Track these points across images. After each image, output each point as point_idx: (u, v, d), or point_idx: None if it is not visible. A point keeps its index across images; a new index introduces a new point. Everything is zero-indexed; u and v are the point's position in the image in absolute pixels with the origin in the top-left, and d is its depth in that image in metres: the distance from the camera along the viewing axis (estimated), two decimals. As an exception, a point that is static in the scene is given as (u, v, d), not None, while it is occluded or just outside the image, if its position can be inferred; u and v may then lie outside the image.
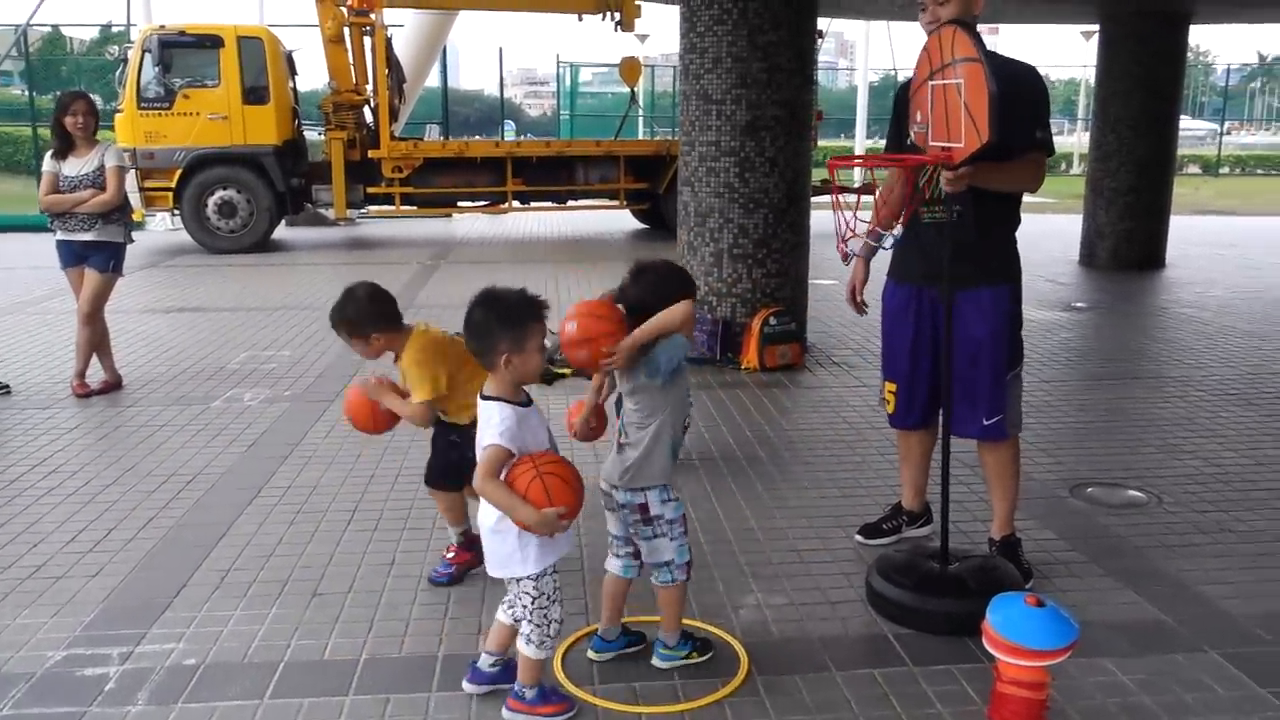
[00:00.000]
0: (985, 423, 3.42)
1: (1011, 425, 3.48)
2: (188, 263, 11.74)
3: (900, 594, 3.22)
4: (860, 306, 3.72)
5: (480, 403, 2.61)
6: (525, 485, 2.47)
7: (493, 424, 2.52)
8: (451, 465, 3.39)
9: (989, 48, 2.99)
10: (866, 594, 3.35)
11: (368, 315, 3.28)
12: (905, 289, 3.56)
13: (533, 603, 2.61)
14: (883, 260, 3.71)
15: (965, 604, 3.08)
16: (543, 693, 2.69)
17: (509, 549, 2.58)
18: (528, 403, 2.63)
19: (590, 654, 2.99)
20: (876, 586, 3.31)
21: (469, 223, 16.59)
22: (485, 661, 2.79)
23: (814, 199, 7.19)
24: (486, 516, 2.61)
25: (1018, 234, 3.50)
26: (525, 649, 2.64)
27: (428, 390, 3.20)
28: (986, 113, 2.80)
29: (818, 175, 11.04)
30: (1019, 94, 3.06)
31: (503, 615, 2.76)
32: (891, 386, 3.65)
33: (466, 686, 2.79)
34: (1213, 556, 3.73)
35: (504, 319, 2.54)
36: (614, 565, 2.96)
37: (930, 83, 3.09)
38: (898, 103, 3.55)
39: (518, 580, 2.62)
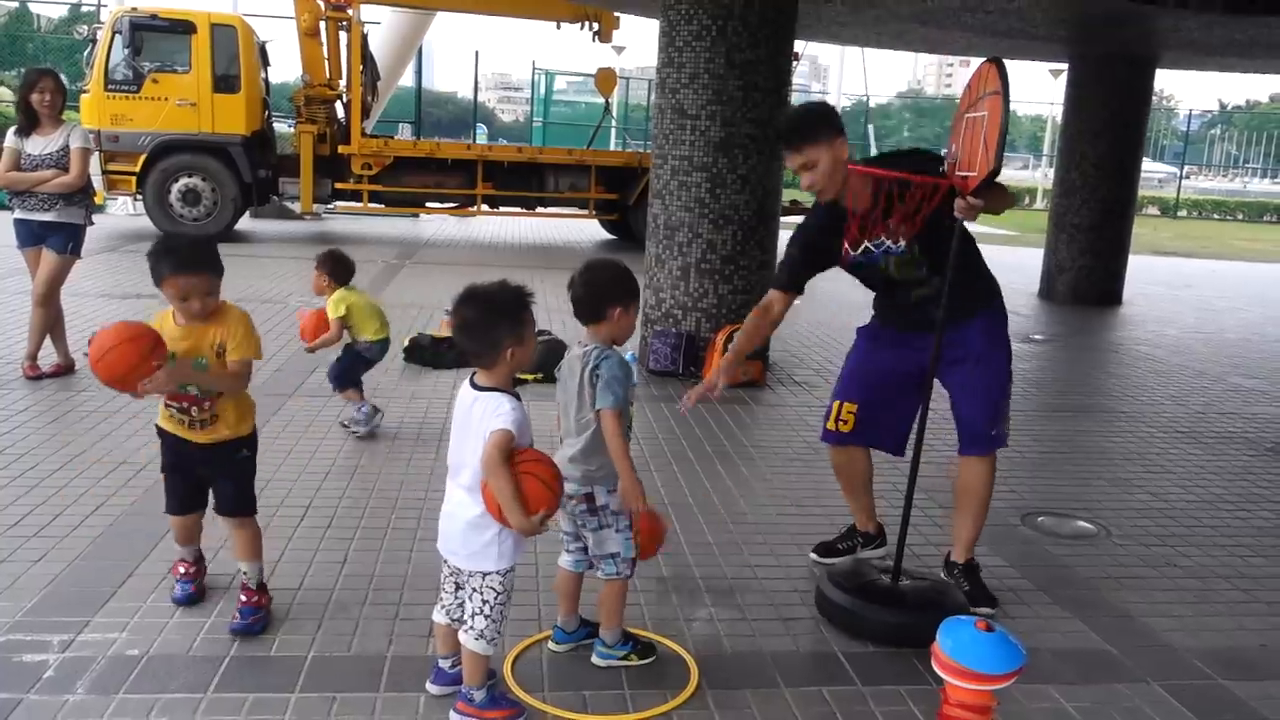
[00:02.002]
0: (992, 432, 3.51)
1: (1007, 434, 3.59)
2: (148, 249, 11.56)
3: (842, 598, 3.30)
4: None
5: (476, 393, 2.58)
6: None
7: (501, 412, 2.49)
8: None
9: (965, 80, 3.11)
10: (815, 599, 3.41)
11: None
12: (890, 331, 3.65)
13: (495, 598, 2.60)
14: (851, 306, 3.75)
15: (900, 615, 3.21)
16: (492, 697, 2.68)
17: (483, 543, 2.58)
18: (518, 395, 2.62)
19: (551, 645, 3.04)
20: (823, 590, 3.39)
21: (436, 224, 16.51)
22: (445, 664, 2.78)
23: (783, 218, 7.26)
24: (465, 506, 2.58)
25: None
26: (474, 645, 2.61)
27: None
28: (997, 141, 2.89)
29: (787, 195, 11.12)
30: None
31: (440, 617, 2.75)
32: (851, 406, 3.68)
33: (430, 688, 2.78)
34: (1158, 590, 3.80)
35: (502, 313, 2.54)
36: (565, 561, 3.04)
37: (966, 115, 3.18)
38: (811, 242, 3.54)
39: (483, 575, 2.60)
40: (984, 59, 3.21)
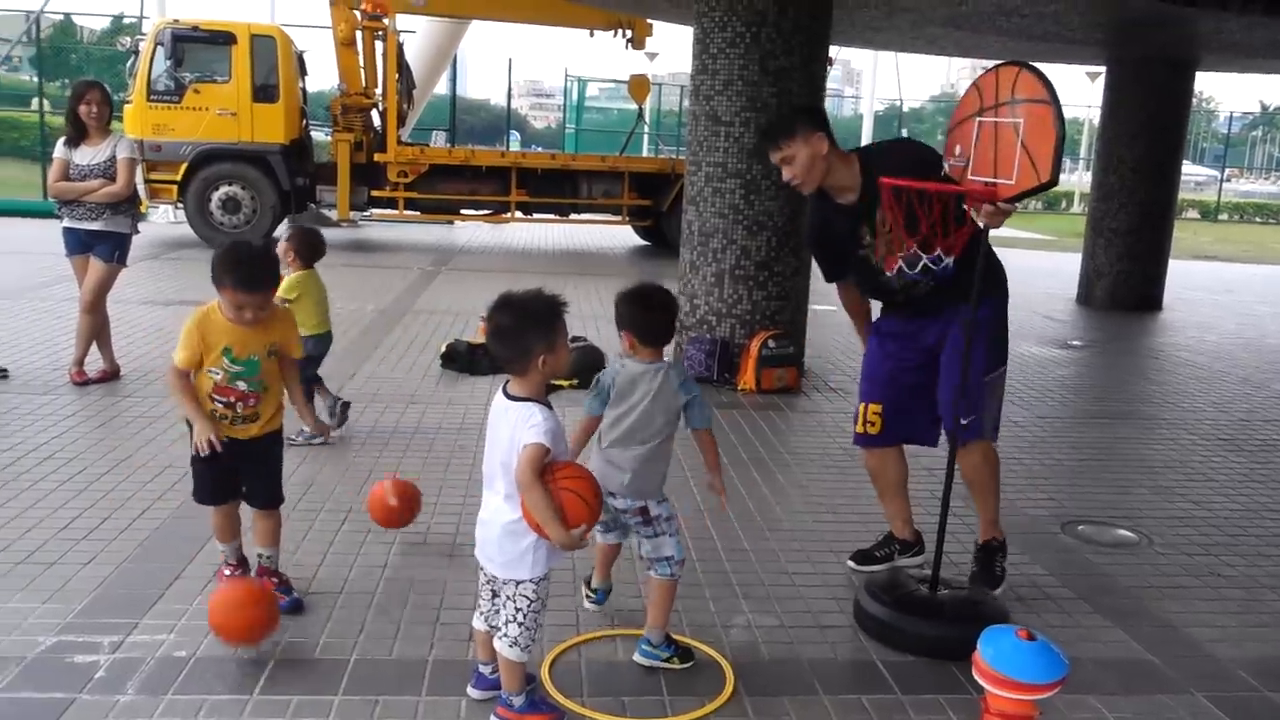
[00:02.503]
0: (962, 421, 3.49)
1: (987, 429, 3.57)
2: (190, 256, 11.74)
3: (879, 610, 3.29)
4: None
5: (509, 403, 2.60)
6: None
7: (533, 423, 2.50)
8: None
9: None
10: (853, 610, 3.40)
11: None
12: (898, 321, 3.68)
13: (529, 606, 2.62)
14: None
15: (939, 628, 3.20)
16: (531, 702, 2.70)
17: (519, 551, 2.59)
18: (550, 405, 2.63)
19: (589, 605, 3.34)
20: (861, 602, 3.38)
21: (471, 230, 16.63)
22: (486, 670, 2.81)
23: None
24: (501, 513, 2.61)
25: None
26: (508, 652, 2.62)
27: None
28: (1052, 154, 2.87)
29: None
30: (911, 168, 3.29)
31: (479, 624, 2.78)
32: (876, 407, 3.72)
33: (472, 692, 2.81)
34: (1201, 599, 3.76)
35: (534, 321, 2.55)
36: (602, 538, 3.25)
37: (978, 119, 3.15)
38: (813, 242, 3.74)
39: (516, 583, 2.62)
40: (1001, 63, 3.19)
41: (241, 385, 3.10)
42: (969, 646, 2.63)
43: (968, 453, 3.58)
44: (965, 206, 3.19)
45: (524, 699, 2.68)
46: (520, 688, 2.67)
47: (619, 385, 2.99)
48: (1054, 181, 2.95)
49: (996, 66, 3.19)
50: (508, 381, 2.64)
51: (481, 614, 2.77)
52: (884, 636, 3.25)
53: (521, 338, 2.54)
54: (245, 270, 3.01)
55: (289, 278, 4.90)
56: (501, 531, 2.61)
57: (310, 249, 5.05)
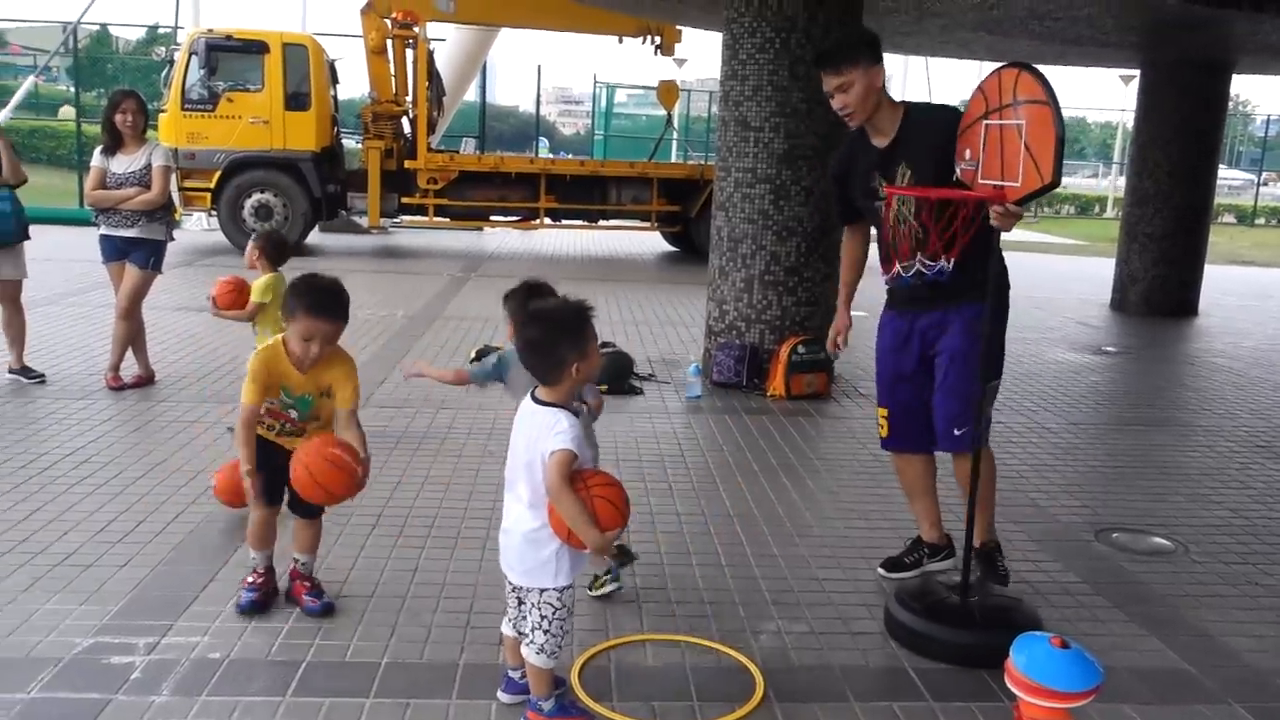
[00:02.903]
0: (956, 432, 3.49)
1: (980, 439, 3.50)
2: (223, 263, 11.87)
3: (909, 618, 3.26)
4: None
5: (535, 407, 2.61)
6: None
7: (558, 430, 2.51)
8: None
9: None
10: (884, 618, 3.38)
11: None
12: (896, 316, 3.68)
13: (554, 614, 2.62)
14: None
15: (971, 636, 3.17)
16: (560, 706, 2.71)
17: (542, 559, 2.59)
18: (578, 412, 2.64)
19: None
20: (891, 610, 3.36)
21: (500, 237, 16.70)
22: (515, 675, 2.81)
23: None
24: (521, 522, 2.61)
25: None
26: (534, 659, 2.64)
27: None
28: (1053, 154, 2.85)
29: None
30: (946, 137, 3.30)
31: (508, 630, 2.79)
32: (883, 412, 3.75)
33: (502, 696, 2.82)
34: (1239, 609, 3.70)
35: (564, 331, 2.56)
36: None
37: (985, 122, 3.13)
38: (841, 172, 3.73)
39: (540, 591, 2.62)
40: (1003, 65, 3.16)
41: (293, 414, 3.19)
42: (1001, 654, 2.60)
43: (964, 459, 3.54)
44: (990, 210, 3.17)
45: (553, 703, 2.69)
46: (548, 692, 2.69)
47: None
48: (1056, 182, 2.91)
49: (999, 69, 3.16)
50: (536, 387, 2.64)
51: (510, 620, 2.77)
52: (915, 645, 3.23)
53: (554, 349, 2.55)
54: (317, 296, 3.05)
55: (261, 279, 4.94)
56: (522, 540, 2.61)
57: (278, 250, 5.06)
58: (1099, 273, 12.80)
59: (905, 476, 3.87)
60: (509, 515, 2.66)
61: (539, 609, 2.62)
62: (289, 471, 3.04)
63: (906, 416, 3.69)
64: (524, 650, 2.66)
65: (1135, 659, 3.25)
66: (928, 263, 3.44)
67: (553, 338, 2.55)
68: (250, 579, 3.35)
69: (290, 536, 3.40)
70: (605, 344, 7.19)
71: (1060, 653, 2.49)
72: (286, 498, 3.28)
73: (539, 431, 2.54)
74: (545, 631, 2.61)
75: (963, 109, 3.39)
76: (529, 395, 2.65)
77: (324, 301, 3.05)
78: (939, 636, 3.19)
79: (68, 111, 26.25)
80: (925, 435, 3.69)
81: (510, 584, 2.71)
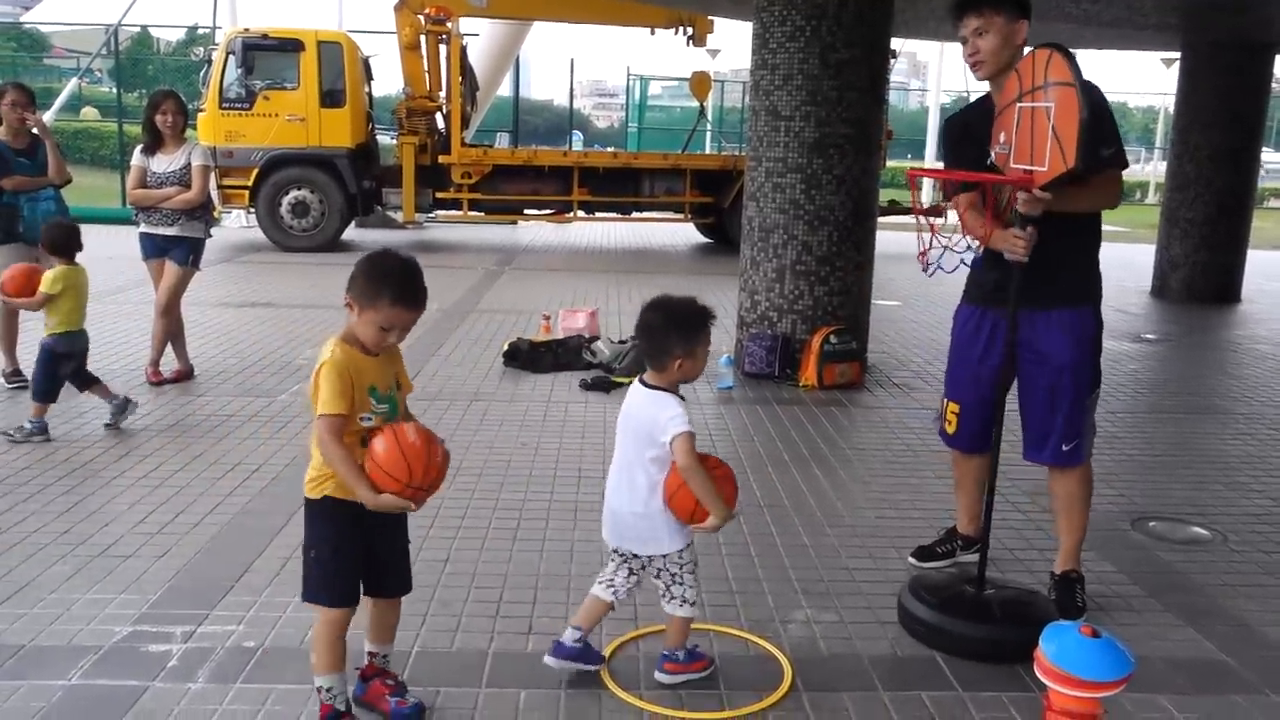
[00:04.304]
0: (1064, 448, 3.35)
1: (1087, 451, 3.42)
2: (261, 260, 12.03)
3: (925, 612, 3.21)
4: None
5: (645, 391, 2.76)
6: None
7: (674, 414, 2.67)
8: None
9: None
10: (898, 612, 3.34)
11: None
12: (975, 311, 3.55)
13: (681, 569, 2.81)
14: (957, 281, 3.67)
15: (987, 630, 3.11)
16: (690, 653, 2.92)
17: (654, 530, 2.77)
18: (683, 397, 2.79)
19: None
20: (905, 603, 3.31)
21: (534, 230, 16.76)
22: (570, 636, 2.90)
23: (880, 219, 7.16)
24: (633, 502, 2.76)
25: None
26: (679, 611, 2.84)
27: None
28: (1075, 138, 2.79)
29: (885, 195, 10.97)
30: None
31: (602, 592, 2.89)
32: (954, 407, 3.62)
33: (549, 660, 2.89)
34: (1278, 598, 3.63)
35: (679, 327, 2.71)
36: None
37: (1018, 104, 3.08)
38: (950, 134, 3.58)
39: (663, 555, 2.79)
40: (1037, 45, 3.10)
41: (382, 420, 2.56)
42: (1019, 648, 2.58)
43: (1064, 477, 3.43)
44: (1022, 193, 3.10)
45: (685, 651, 2.90)
46: (684, 643, 2.90)
47: None
48: (1079, 167, 2.82)
49: (1033, 49, 3.07)
50: (644, 371, 2.80)
51: (610, 586, 2.89)
52: (930, 640, 3.17)
53: (665, 338, 2.71)
54: (411, 285, 2.53)
55: (53, 271, 4.95)
56: (633, 516, 2.78)
57: (66, 240, 5.02)
58: (1139, 259, 12.60)
59: (960, 468, 3.78)
60: (617, 495, 2.81)
61: (667, 570, 2.82)
62: (378, 542, 2.61)
63: (977, 419, 3.55)
64: (668, 608, 2.85)
65: (1170, 649, 3.21)
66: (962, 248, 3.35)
67: (666, 329, 2.72)
68: None
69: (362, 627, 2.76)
70: (635, 338, 7.20)
71: (1090, 642, 2.47)
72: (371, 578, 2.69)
73: (652, 413, 2.70)
74: (680, 584, 2.82)
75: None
76: (637, 380, 2.82)
77: (411, 289, 2.52)
78: (956, 630, 3.13)
79: (89, 112, 26.72)
80: (987, 442, 3.49)
81: (619, 554, 2.87)
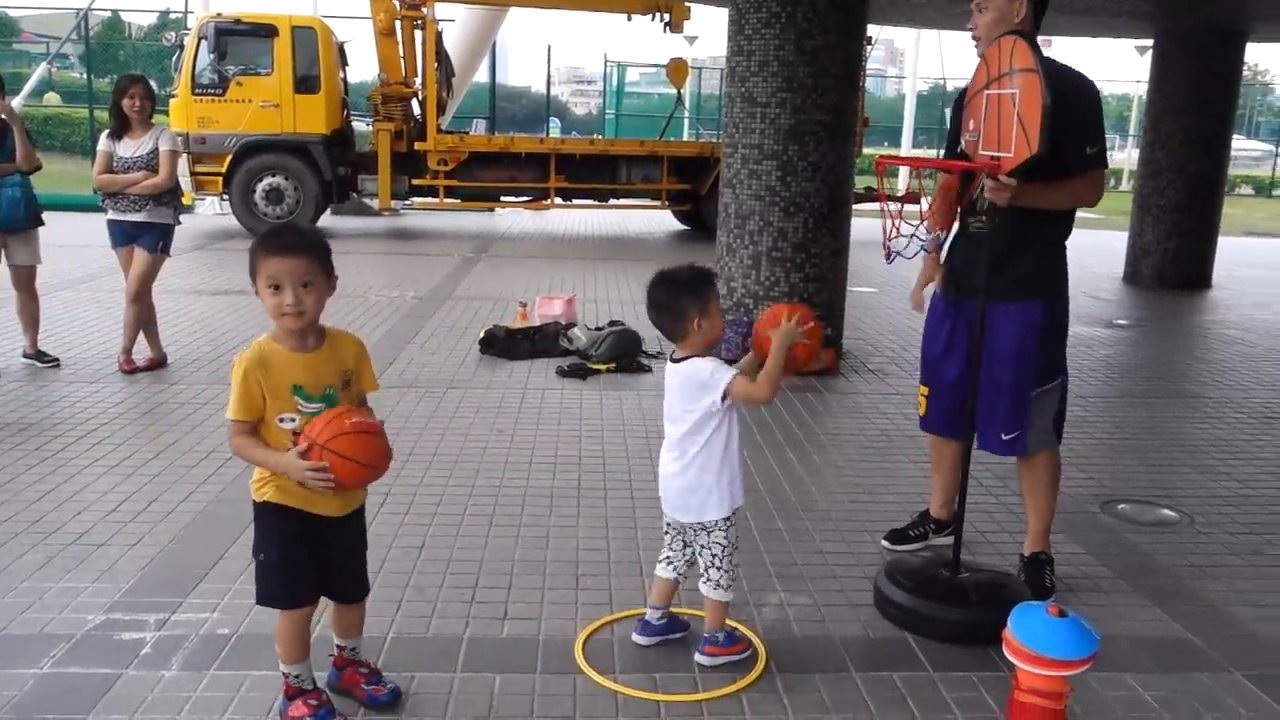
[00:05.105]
0: (1004, 437, 3.40)
1: (1035, 443, 3.43)
2: (234, 246, 11.93)
3: (901, 596, 3.25)
4: (918, 304, 3.77)
5: (678, 366, 2.86)
6: None
7: (713, 369, 2.80)
8: None
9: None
10: (874, 595, 3.37)
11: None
12: (945, 298, 3.58)
13: (722, 550, 2.89)
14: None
15: (963, 613, 3.15)
16: (729, 635, 2.98)
17: (700, 498, 2.86)
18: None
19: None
20: (881, 587, 3.34)
21: (511, 217, 16.71)
22: (653, 616, 3.03)
23: (856, 206, 7.19)
24: (680, 471, 2.86)
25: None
26: (715, 594, 2.91)
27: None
28: (1038, 124, 2.81)
29: (861, 182, 11.01)
30: (1069, 106, 3.02)
31: (666, 572, 3.02)
32: (924, 390, 3.70)
33: (637, 638, 3.03)
34: (1243, 579, 3.70)
35: (688, 290, 2.81)
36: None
37: (986, 92, 3.11)
38: (956, 110, 3.57)
39: (708, 532, 2.89)
40: (1003, 33, 3.12)
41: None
42: (994, 631, 2.62)
43: (1028, 463, 3.48)
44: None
45: (725, 633, 2.96)
46: (723, 624, 2.96)
47: None
48: (1043, 153, 2.85)
49: (999, 36, 3.11)
50: (674, 350, 2.90)
51: (671, 564, 3.02)
52: (907, 623, 3.19)
53: (677, 304, 2.80)
54: (276, 230, 2.54)
55: None
56: (680, 486, 2.88)
57: None
58: (1112, 245, 12.71)
59: (937, 451, 3.82)
60: (666, 467, 2.92)
61: (709, 549, 2.90)
62: (330, 549, 2.56)
63: (944, 403, 3.59)
64: (704, 589, 2.92)
65: (1138, 628, 3.26)
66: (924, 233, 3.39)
67: (675, 296, 2.81)
68: (313, 702, 2.57)
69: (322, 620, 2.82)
70: (614, 322, 7.21)
71: (1057, 621, 2.51)
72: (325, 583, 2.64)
73: (689, 373, 2.82)
74: (718, 568, 2.89)
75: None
76: (669, 359, 2.92)
77: (274, 233, 2.49)
78: (932, 614, 3.16)
79: (51, 98, 26.36)
80: (957, 426, 3.54)
81: (674, 529, 2.99)
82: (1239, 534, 4.12)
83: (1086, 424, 5.65)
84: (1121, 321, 8.99)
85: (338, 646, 2.75)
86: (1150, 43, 11.68)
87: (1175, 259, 11.14)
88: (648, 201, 15.22)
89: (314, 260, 2.43)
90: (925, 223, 3.42)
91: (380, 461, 2.46)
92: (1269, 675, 2.99)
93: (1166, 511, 4.35)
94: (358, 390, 2.56)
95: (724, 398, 2.79)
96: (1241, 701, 2.85)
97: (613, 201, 15.30)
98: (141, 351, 6.16)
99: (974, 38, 3.39)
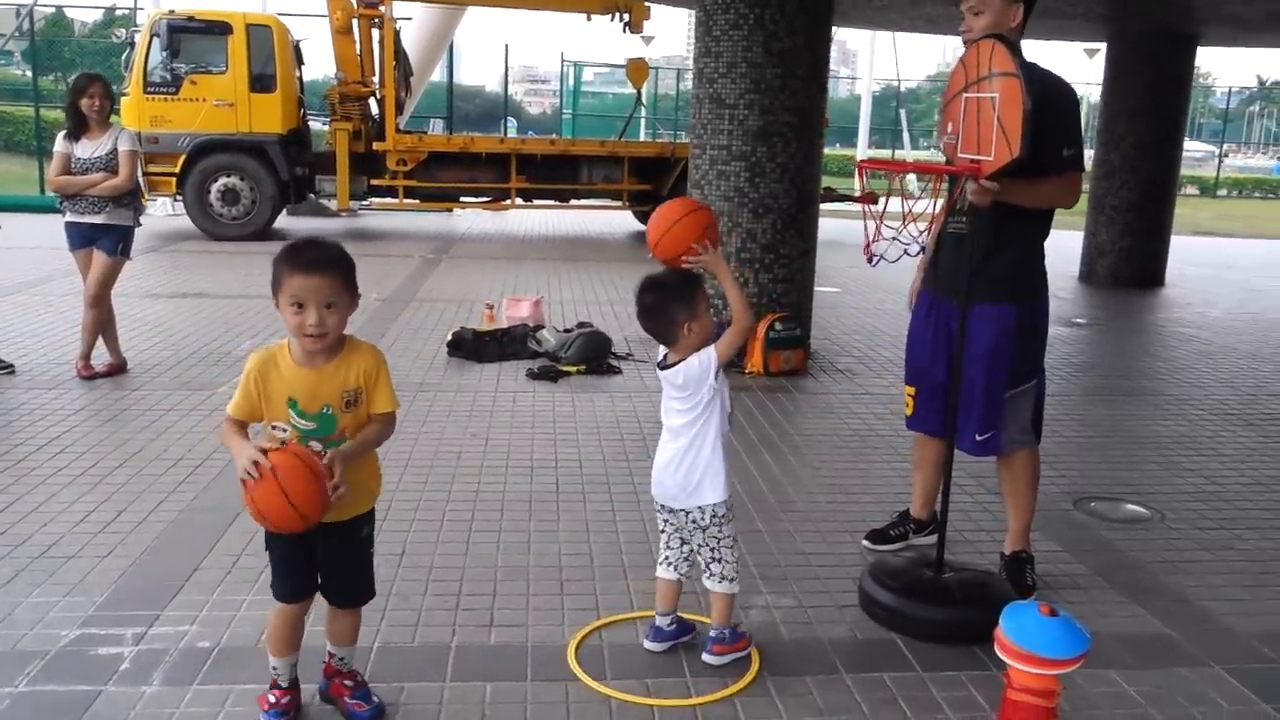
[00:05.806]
0: (977, 438, 3.44)
1: (1010, 443, 3.47)
2: (190, 249, 11.72)
3: (887, 597, 3.26)
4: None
5: (672, 374, 2.85)
6: None
7: (699, 355, 2.81)
8: None
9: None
10: (859, 596, 3.38)
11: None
12: (928, 298, 3.62)
13: (719, 542, 2.90)
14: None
15: (949, 613, 3.17)
16: (734, 632, 2.99)
17: (695, 480, 2.85)
18: None
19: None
20: (866, 588, 3.35)
21: (471, 218, 16.59)
22: (663, 622, 3.01)
23: (823, 205, 7.22)
24: (676, 456, 2.86)
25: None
26: (720, 587, 2.92)
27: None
28: (1019, 128, 2.84)
29: (822, 182, 11.06)
30: (1047, 109, 3.05)
31: (667, 573, 3.00)
32: (911, 390, 3.71)
33: (649, 645, 3.01)
34: (1215, 573, 3.77)
35: (676, 295, 2.82)
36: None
37: (964, 95, 3.13)
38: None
39: (703, 529, 2.88)
40: (981, 36, 3.15)
41: (315, 444, 2.43)
42: (980, 630, 2.64)
43: (1007, 462, 3.52)
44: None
45: (730, 630, 2.96)
46: (730, 620, 2.96)
47: None
48: (1024, 156, 2.88)
49: (977, 40, 3.14)
50: (664, 355, 2.90)
51: (670, 564, 3.00)
52: (893, 623, 3.21)
53: (666, 310, 2.81)
54: (300, 246, 2.43)
55: None
56: (681, 467, 2.86)
57: None
58: (1068, 245, 12.88)
59: (920, 450, 3.84)
60: (667, 454, 2.91)
61: (707, 544, 2.90)
62: (318, 551, 2.54)
63: (926, 398, 3.62)
64: (709, 584, 2.93)
65: (1117, 625, 3.31)
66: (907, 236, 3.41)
67: (664, 301, 2.81)
68: (272, 699, 2.61)
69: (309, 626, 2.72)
70: (583, 324, 7.18)
71: (1049, 620, 2.53)
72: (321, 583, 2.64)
73: (693, 378, 2.82)
74: (721, 561, 2.90)
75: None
76: (657, 366, 2.93)
77: (298, 249, 2.41)
78: (918, 614, 3.17)
79: None
80: (941, 426, 3.56)
81: (670, 526, 2.97)
82: (1209, 529, 4.20)
83: (1053, 421, 5.68)
84: (1080, 320, 9.14)
85: (329, 653, 2.71)
86: (1100, 46, 11.90)
87: (1129, 258, 11.35)
88: (608, 202, 15.20)
89: (339, 279, 2.41)
90: (907, 226, 3.43)
91: (308, 510, 2.31)
92: (1247, 669, 3.05)
93: (1138, 508, 4.42)
94: (366, 411, 2.53)
95: (716, 374, 2.82)
96: (1224, 695, 2.90)
97: (574, 202, 15.25)
98: (100, 357, 6.01)
99: (966, 42, 3.39)
